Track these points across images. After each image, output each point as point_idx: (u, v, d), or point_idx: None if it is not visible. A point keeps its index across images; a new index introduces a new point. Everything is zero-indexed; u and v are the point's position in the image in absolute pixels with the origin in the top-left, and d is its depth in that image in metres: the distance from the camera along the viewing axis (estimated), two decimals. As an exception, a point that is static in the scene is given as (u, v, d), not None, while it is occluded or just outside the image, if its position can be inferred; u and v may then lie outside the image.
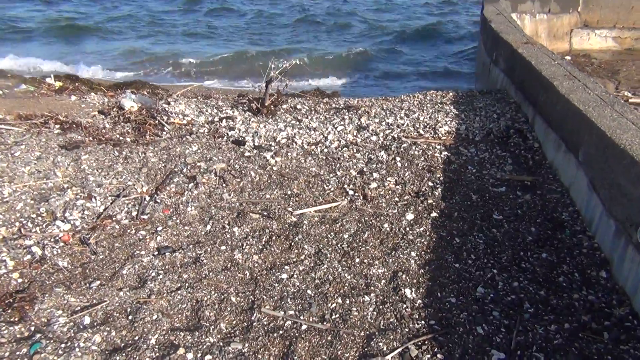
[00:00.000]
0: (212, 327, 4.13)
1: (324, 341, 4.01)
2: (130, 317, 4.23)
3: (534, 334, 4.07)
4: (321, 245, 5.25)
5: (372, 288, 4.61)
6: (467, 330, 4.11)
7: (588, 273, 4.82)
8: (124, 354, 3.85)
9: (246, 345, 3.96)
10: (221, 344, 3.97)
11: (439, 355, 3.84)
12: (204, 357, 3.84)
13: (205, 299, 4.47)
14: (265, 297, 4.50)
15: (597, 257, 4.97)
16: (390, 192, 6.27)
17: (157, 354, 3.87)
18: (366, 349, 3.93)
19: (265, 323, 4.20)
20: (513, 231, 5.45)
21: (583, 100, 6.14)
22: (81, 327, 4.10)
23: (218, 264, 4.97)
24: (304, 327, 4.16)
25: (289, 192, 6.27)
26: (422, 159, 7.07)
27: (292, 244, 5.26)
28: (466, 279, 4.76)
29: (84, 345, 3.91)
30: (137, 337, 4.03)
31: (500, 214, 5.79)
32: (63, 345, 3.89)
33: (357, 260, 5.01)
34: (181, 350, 3.87)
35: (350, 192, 6.27)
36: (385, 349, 3.94)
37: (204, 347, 3.93)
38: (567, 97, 6.33)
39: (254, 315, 4.27)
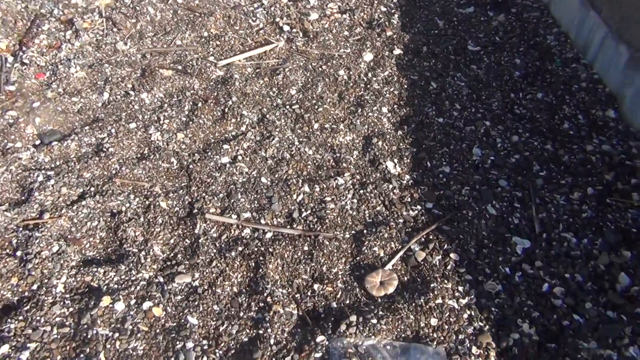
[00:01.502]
0: (143, 253, 2.97)
1: (300, 254, 3.00)
2: (19, 254, 2.95)
3: (556, 206, 3.26)
4: (264, 109, 3.99)
5: (344, 165, 3.54)
6: (475, 213, 3.23)
7: (593, 114, 3.98)
8: (20, 317, 2.66)
9: (196, 275, 2.88)
10: (161, 279, 2.86)
11: (452, 255, 2.97)
12: (141, 304, 2.74)
13: (124, 209, 3.23)
14: (206, 195, 3.32)
15: (600, 93, 4.10)
16: (336, 23, 4.90)
17: (71, 309, 2.71)
18: (358, 258, 2.98)
19: (215, 236, 3.09)
20: (496, 66, 4.42)
21: None
22: (-54, 279, 2.81)
23: (130, 151, 3.64)
24: (268, 235, 3.11)
25: (206, 34, 4.75)
26: (365, -26, 5.60)
27: (226, 110, 3.95)
28: (456, 138, 3.78)
29: (-45, 310, 2.66)
30: (35, 286, 2.82)
31: (475, 44, 4.68)
32: None
33: (316, 125, 3.85)
34: (106, 300, 2.72)
35: (286, 29, 4.84)
36: (381, 253, 3.01)
37: (138, 288, 2.81)
38: None
39: (197, 226, 3.13)
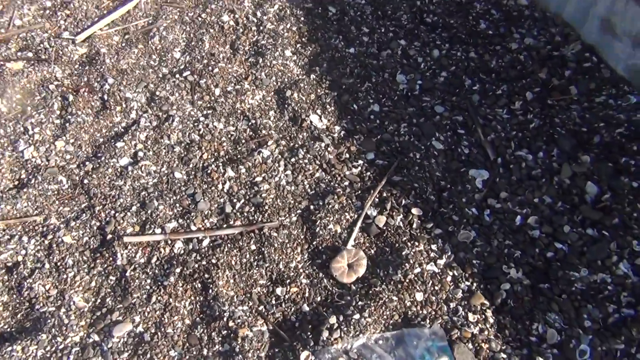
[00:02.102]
0: (63, 310, 2.42)
1: (248, 256, 2.57)
2: None
3: (501, 123, 3.01)
4: (151, 85, 3.34)
5: (263, 132, 3.07)
6: (422, 152, 2.92)
7: (505, 4, 3.70)
8: None
9: (137, 319, 2.40)
10: (96, 337, 2.35)
11: (413, 211, 2.67)
12: None
13: (19, 258, 2.60)
14: (115, 213, 2.76)
15: (505, -21, 3.79)
16: (200, -43, 4.18)
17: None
18: (314, 243, 2.61)
19: (143, 263, 2.58)
20: (391, -29, 3.96)
21: None
22: None
23: (3, 180, 2.94)
24: (205, 242, 2.64)
25: (49, 4, 3.88)
26: None
27: (105, 97, 3.27)
28: (375, 67, 3.38)
29: None
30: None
31: (362, -50, 4.16)
32: None
33: (217, 91, 3.29)
34: None
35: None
36: (338, 229, 2.65)
37: (71, 357, 2.30)
38: None
39: (118, 255, 2.59)
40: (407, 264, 2.45)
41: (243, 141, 3.04)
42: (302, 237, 2.64)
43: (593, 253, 2.43)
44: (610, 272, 2.38)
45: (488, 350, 2.21)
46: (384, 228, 2.63)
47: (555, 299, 2.33)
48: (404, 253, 2.50)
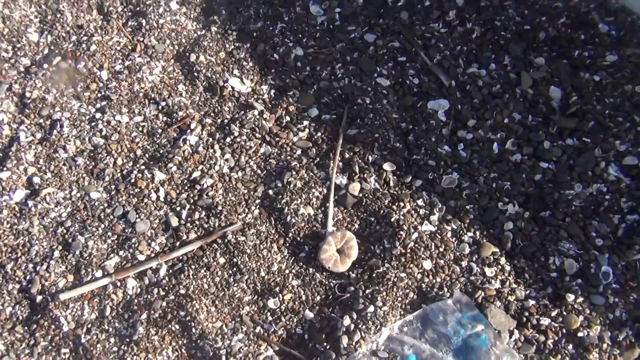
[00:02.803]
0: None
1: (221, 274, 2.16)
2: None
3: (440, 39, 2.69)
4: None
5: (179, 113, 2.52)
6: (368, 94, 2.55)
7: None
8: None
9: None
10: None
11: (385, 167, 2.35)
12: None
13: None
14: (30, 265, 2.19)
15: None
16: None
17: None
18: (290, 235, 2.24)
19: (96, 320, 2.09)
20: None
21: None
22: None
23: None
24: (163, 272, 2.18)
25: None
26: None
27: (-42, 116, 2.52)
28: (283, 2, 2.88)
29: None
30: None
31: None
32: None
33: (104, 74, 2.64)
34: None
35: None
36: (311, 211, 2.28)
37: None
38: None
39: (60, 321, 2.07)
40: (401, 232, 2.18)
41: (159, 131, 2.50)
42: (273, 232, 2.26)
43: (581, 164, 2.30)
44: (603, 180, 2.27)
45: (516, 302, 2.05)
46: (361, 195, 2.31)
47: (560, 224, 2.20)
48: (392, 219, 2.22)
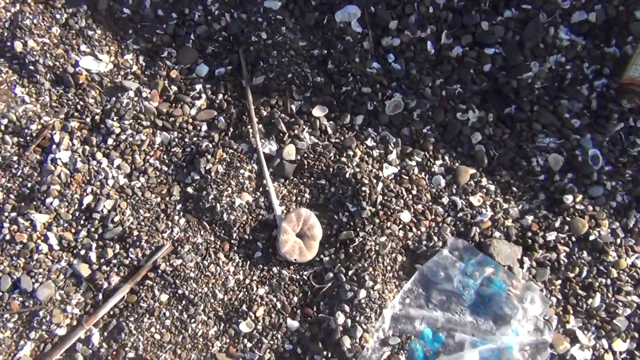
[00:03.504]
0: None
1: (170, 314, 1.70)
2: None
3: None
4: None
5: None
6: (262, 26, 2.02)
7: None
8: None
9: None
10: None
11: (315, 112, 1.90)
12: None
13: None
14: None
15: None
16: None
17: None
18: (235, 234, 1.79)
19: None
20: None
21: None
22: None
23: None
24: (96, 338, 1.70)
25: None
26: None
27: None
28: None
29: None
30: None
31: None
32: None
33: None
34: None
35: None
36: (248, 198, 1.82)
37: None
38: None
39: None
40: (362, 187, 1.79)
41: (15, 159, 1.86)
42: (213, 239, 1.80)
43: (529, 37, 1.95)
44: (558, 49, 1.95)
45: (514, 225, 1.78)
46: (299, 158, 1.87)
47: (530, 116, 1.89)
48: (347, 175, 1.82)
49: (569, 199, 1.77)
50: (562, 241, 1.74)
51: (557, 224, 1.75)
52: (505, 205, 1.80)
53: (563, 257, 1.73)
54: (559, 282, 1.72)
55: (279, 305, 1.73)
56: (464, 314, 1.66)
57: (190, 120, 1.93)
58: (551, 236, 1.74)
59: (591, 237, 1.73)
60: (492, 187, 1.82)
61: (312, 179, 1.86)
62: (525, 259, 1.73)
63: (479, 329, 1.63)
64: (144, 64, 2.00)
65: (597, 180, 1.81)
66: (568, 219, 1.76)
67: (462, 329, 1.64)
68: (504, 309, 1.63)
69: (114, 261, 1.75)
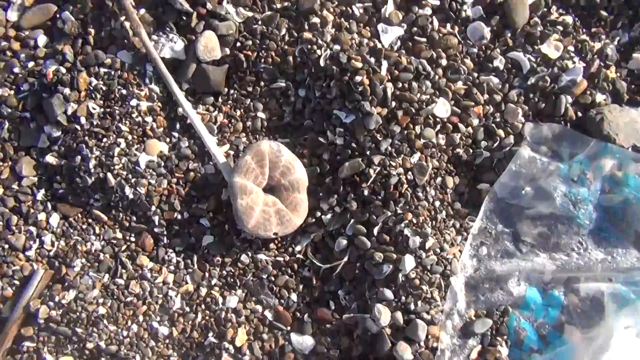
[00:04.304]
0: None
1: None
2: None
3: None
4: None
5: None
6: None
7: None
8: None
9: None
10: None
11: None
12: None
13: None
14: None
15: None
16: None
17: None
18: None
19: None
20: None
21: None
22: None
23: None
24: None
25: None
26: None
27: None
28: None
29: None
30: None
31: None
32: None
33: None
34: None
35: None
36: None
37: None
38: None
39: None
40: (353, 75, 1.00)
41: None
42: (119, 236, 1.00)
43: None
44: None
45: (618, 72, 1.05)
46: (228, 52, 1.04)
47: None
48: (320, 60, 1.01)
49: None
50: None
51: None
52: (597, 45, 1.05)
53: None
54: None
55: (269, 316, 0.98)
56: (586, 249, 0.96)
57: (13, 31, 1.04)
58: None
59: None
60: (570, 20, 1.06)
61: (263, 83, 1.05)
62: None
63: (618, 268, 0.95)
64: None
65: None
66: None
67: (589, 274, 0.95)
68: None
69: None
